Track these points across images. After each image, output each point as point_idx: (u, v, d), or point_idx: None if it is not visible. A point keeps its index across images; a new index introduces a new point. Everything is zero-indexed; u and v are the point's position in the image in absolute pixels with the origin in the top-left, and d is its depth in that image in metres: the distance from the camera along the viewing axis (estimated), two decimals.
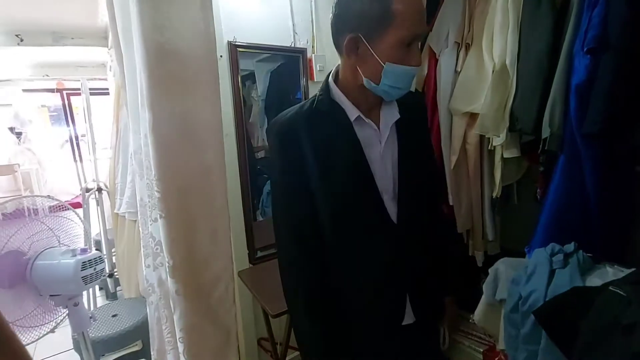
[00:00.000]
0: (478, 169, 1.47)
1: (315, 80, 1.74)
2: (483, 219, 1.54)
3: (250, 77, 1.70)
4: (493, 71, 1.29)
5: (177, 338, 0.84)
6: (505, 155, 1.34)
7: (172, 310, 0.83)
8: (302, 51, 1.71)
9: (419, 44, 0.75)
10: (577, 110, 1.02)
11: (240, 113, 1.57)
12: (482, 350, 1.66)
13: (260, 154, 1.84)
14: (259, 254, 1.71)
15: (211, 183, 0.81)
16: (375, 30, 0.70)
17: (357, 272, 0.84)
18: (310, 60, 1.72)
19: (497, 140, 1.32)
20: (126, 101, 1.09)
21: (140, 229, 1.07)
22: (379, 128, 0.81)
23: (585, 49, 0.98)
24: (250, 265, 1.68)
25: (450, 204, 1.53)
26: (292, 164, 0.78)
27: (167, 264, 0.80)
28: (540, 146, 1.17)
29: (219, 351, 0.87)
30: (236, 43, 1.51)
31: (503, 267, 1.21)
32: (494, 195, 1.45)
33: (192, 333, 0.83)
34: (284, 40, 1.67)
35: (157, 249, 0.90)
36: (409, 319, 0.89)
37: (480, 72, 1.34)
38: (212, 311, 0.86)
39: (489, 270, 1.27)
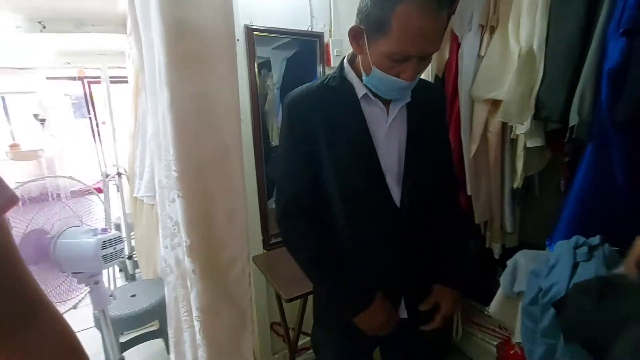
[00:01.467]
0: (499, 159, 1.42)
1: (332, 65, 1.71)
2: (502, 210, 1.50)
3: (266, 65, 1.69)
4: (519, 55, 1.23)
5: (194, 317, 0.85)
6: (528, 144, 1.29)
7: (189, 290, 0.84)
8: (319, 35, 1.68)
9: (421, 60, 0.71)
10: (609, 96, 0.97)
11: (255, 99, 1.56)
12: (496, 343, 1.64)
13: (275, 142, 1.84)
14: (273, 240, 1.72)
15: (228, 163, 0.81)
16: (374, 33, 0.69)
17: (354, 251, 0.84)
18: (327, 45, 1.69)
19: (521, 129, 1.27)
20: (145, 84, 1.10)
21: (158, 210, 1.09)
22: (387, 108, 0.81)
23: (620, 31, 0.92)
24: (264, 250, 1.69)
25: (469, 194, 1.49)
26: (299, 134, 0.81)
27: (184, 244, 0.81)
28: (567, 135, 1.12)
29: (234, 331, 0.89)
30: (253, 27, 1.50)
31: (522, 259, 1.18)
32: (515, 185, 1.41)
33: (208, 313, 0.84)
34: (301, 24, 1.64)
35: (174, 229, 0.92)
36: (404, 312, 0.88)
37: (505, 57, 1.28)
38: (228, 292, 0.87)
39: (507, 263, 1.24)
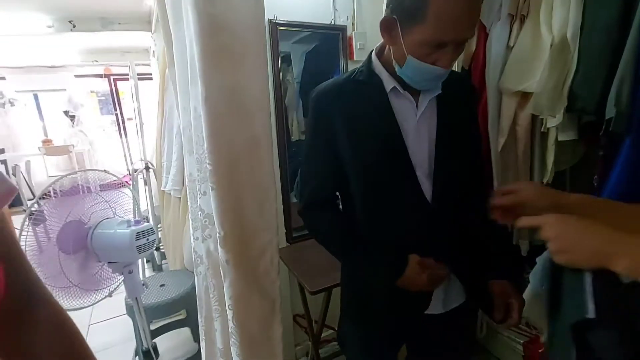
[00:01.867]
0: (528, 153, 1.38)
1: (355, 59, 1.70)
2: None
3: (286, 59, 1.70)
4: (551, 45, 1.19)
5: (227, 305, 0.88)
6: (560, 138, 1.25)
7: (223, 279, 0.87)
8: (342, 29, 1.67)
9: (457, 46, 0.70)
10: None
11: (279, 93, 1.58)
12: (522, 341, 1.61)
13: (295, 137, 1.85)
14: (295, 234, 1.74)
15: (259, 156, 0.83)
16: (408, 21, 0.68)
17: (381, 249, 0.84)
18: (350, 38, 1.69)
19: (553, 122, 1.23)
20: (175, 79, 1.13)
21: (189, 203, 1.13)
22: (417, 101, 0.80)
23: None
24: (288, 244, 1.72)
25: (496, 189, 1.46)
26: (325, 128, 0.81)
27: (218, 235, 0.84)
28: (603, 127, 1.08)
29: (264, 320, 0.91)
30: (277, 21, 1.51)
31: None
32: (545, 181, 1.37)
33: (240, 301, 0.87)
34: (323, 17, 1.64)
35: (205, 221, 0.95)
36: (435, 308, 0.87)
37: (537, 47, 1.24)
38: (258, 282, 0.89)
39: (537, 260, 1.20)
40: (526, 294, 1.27)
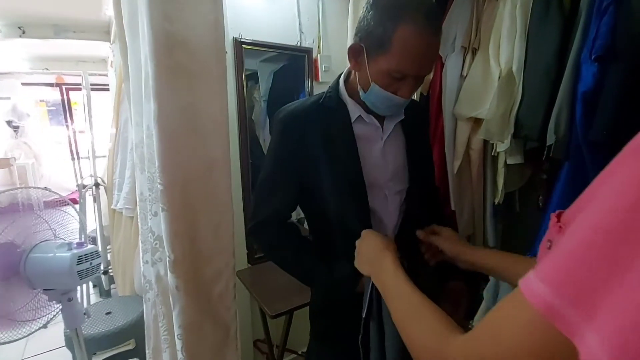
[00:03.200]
0: (481, 175, 1.46)
1: (320, 80, 1.73)
2: (484, 225, 1.53)
3: (253, 77, 1.69)
4: (499, 77, 1.28)
5: (175, 335, 0.82)
6: (508, 162, 1.33)
7: (172, 307, 0.81)
8: (308, 51, 1.70)
9: (417, 79, 0.74)
10: (583, 117, 1.02)
11: (243, 112, 1.56)
12: None
13: (263, 155, 1.83)
14: (257, 254, 1.69)
15: (216, 177, 0.80)
16: (374, 50, 0.71)
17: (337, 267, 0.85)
18: (316, 60, 1.72)
19: (501, 146, 1.32)
20: (129, 94, 1.08)
21: (139, 224, 1.05)
22: (382, 125, 0.84)
23: (593, 57, 0.98)
24: (249, 265, 1.66)
25: (452, 209, 1.52)
26: (290, 149, 0.81)
27: (167, 259, 0.79)
28: (545, 153, 1.17)
29: (218, 349, 0.85)
30: (242, 40, 1.50)
31: None
32: (496, 201, 1.44)
33: (191, 330, 0.81)
34: (289, 39, 1.66)
35: (156, 243, 0.89)
36: None
37: (487, 78, 1.33)
38: (212, 308, 0.84)
39: (490, 276, 1.26)
40: (481, 310, 1.31)
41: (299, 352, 1.76)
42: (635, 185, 0.24)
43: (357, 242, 0.73)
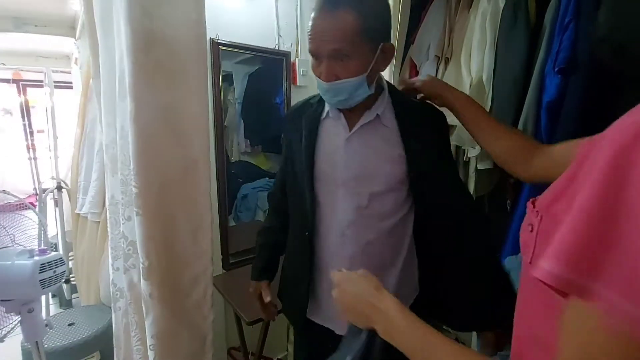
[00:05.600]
0: None
1: (297, 84, 1.73)
2: None
3: (228, 79, 1.67)
4: (470, 86, 1.34)
5: (148, 346, 0.78)
6: (479, 167, 1.39)
7: (144, 316, 0.77)
8: (286, 54, 1.70)
9: (329, 60, 0.72)
10: (547, 125, 1.09)
11: (219, 113, 1.53)
12: None
13: (235, 158, 1.80)
14: (232, 259, 1.65)
15: (194, 178, 0.77)
16: None
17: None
18: (294, 64, 1.72)
19: (472, 152, 1.37)
20: (99, 92, 1.02)
21: (108, 229, 1.00)
22: (353, 125, 0.82)
23: (556, 69, 1.05)
24: (224, 271, 1.62)
25: None
26: (285, 142, 0.93)
27: (141, 265, 0.75)
28: None
29: (193, 359, 0.82)
30: (219, 41, 1.48)
31: None
32: None
33: (165, 339, 0.77)
34: (267, 42, 1.65)
35: (129, 249, 0.84)
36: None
37: (458, 86, 1.38)
38: (188, 315, 0.81)
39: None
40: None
41: (275, 359, 1.73)
42: (600, 170, 0.28)
43: (336, 279, 0.59)
